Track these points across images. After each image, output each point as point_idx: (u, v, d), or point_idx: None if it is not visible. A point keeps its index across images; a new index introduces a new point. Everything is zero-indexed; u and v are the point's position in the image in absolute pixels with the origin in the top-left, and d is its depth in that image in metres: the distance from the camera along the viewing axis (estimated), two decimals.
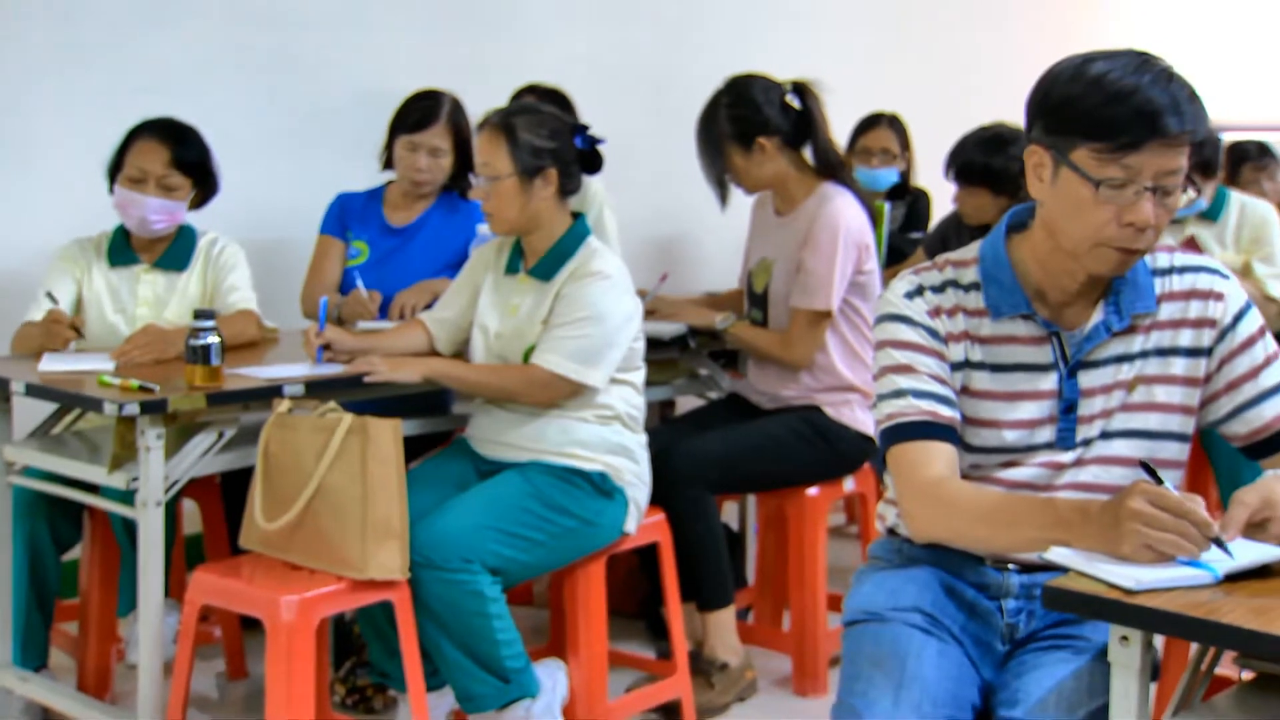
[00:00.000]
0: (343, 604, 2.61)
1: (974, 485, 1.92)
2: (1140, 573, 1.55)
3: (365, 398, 2.94)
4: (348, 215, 3.63)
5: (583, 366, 2.81)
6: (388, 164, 3.61)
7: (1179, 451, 1.93)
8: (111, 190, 3.18)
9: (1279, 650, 1.43)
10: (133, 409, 2.57)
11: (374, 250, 3.57)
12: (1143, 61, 1.77)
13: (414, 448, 3.04)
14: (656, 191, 4.82)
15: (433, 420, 3.24)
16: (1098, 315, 1.90)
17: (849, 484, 3.46)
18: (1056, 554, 1.64)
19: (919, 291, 1.95)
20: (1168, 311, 1.91)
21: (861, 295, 3.36)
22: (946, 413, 1.90)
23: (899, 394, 1.91)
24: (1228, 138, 4.57)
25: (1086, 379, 1.91)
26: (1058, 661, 1.86)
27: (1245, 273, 4.16)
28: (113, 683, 3.15)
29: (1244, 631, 1.44)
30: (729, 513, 3.92)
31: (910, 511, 1.90)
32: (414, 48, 4.24)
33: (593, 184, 3.90)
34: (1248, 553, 1.60)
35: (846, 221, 3.31)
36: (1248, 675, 1.67)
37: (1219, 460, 4.07)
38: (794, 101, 3.40)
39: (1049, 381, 1.92)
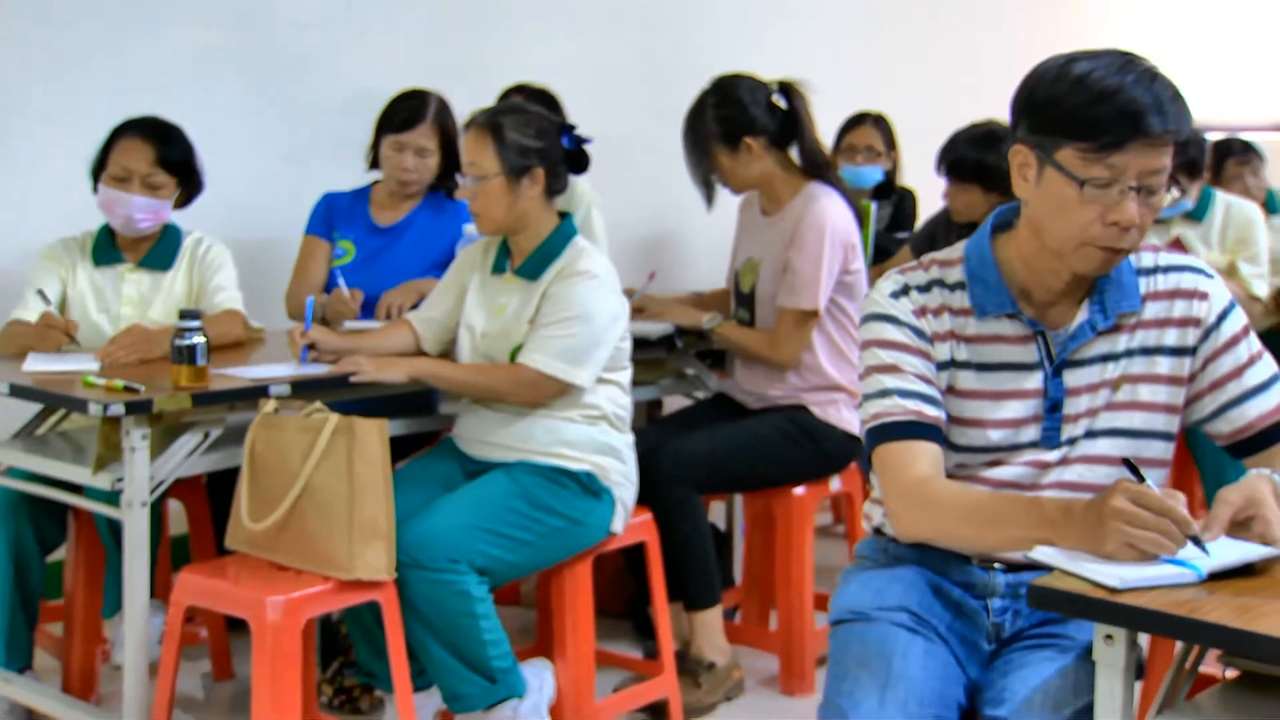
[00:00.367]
0: (329, 604, 2.61)
1: (959, 484, 1.92)
2: (1124, 571, 1.55)
3: (351, 398, 2.93)
4: (334, 215, 3.62)
5: (569, 366, 2.81)
6: (374, 164, 3.60)
7: (1164, 450, 1.94)
8: (95, 189, 3.17)
9: (1262, 648, 1.44)
10: (118, 409, 2.56)
11: (360, 250, 3.57)
12: (1126, 61, 1.78)
13: (401, 448, 3.04)
14: (644, 191, 4.82)
15: (419, 420, 3.23)
16: (1083, 314, 1.91)
17: (835, 484, 3.47)
18: (1041, 553, 1.65)
19: (904, 291, 1.96)
20: (1152, 311, 1.91)
21: (848, 295, 3.37)
22: (932, 412, 1.90)
23: (885, 394, 1.91)
24: (1212, 137, 4.58)
25: (1072, 378, 1.91)
26: (1043, 660, 1.87)
27: (1230, 272, 4.18)
28: (98, 684, 3.14)
29: (1227, 630, 1.45)
30: (716, 512, 3.92)
31: (895, 511, 1.90)
32: (401, 47, 4.24)
33: (580, 184, 3.90)
34: (1231, 551, 1.61)
35: (833, 221, 3.31)
36: (1231, 673, 1.67)
37: (1204, 459, 4.09)
38: (780, 101, 3.40)
39: (1034, 380, 1.92)
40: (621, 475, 2.93)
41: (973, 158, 3.71)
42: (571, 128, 2.98)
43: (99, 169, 3.17)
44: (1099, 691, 1.59)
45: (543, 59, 4.47)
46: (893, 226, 4.85)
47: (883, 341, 1.94)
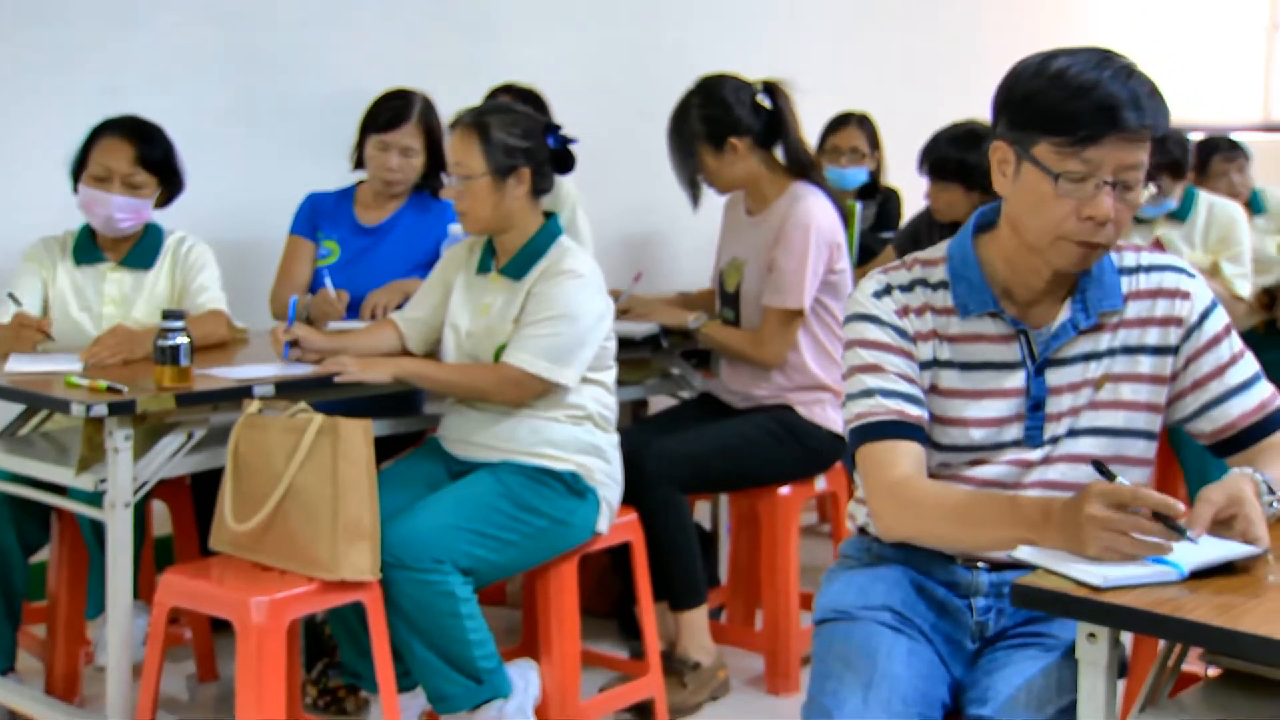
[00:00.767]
0: (314, 605, 2.60)
1: (940, 484, 1.92)
2: (1107, 570, 1.56)
3: (336, 398, 2.92)
4: (318, 215, 3.61)
5: (554, 365, 2.81)
6: (359, 164, 3.60)
7: (1146, 449, 1.95)
8: (76, 189, 3.16)
9: (1244, 647, 1.44)
10: (101, 410, 2.55)
11: (345, 250, 3.56)
12: (1104, 58, 1.79)
13: (386, 448, 3.03)
14: (629, 191, 4.82)
15: (404, 420, 3.23)
16: (1065, 313, 1.91)
17: (821, 483, 3.47)
18: (1024, 553, 1.65)
19: (887, 291, 1.96)
20: (1135, 310, 1.92)
21: (833, 294, 3.37)
22: (914, 412, 1.91)
23: (867, 393, 1.92)
24: (1197, 137, 4.60)
25: (1054, 377, 1.92)
26: (1027, 659, 1.87)
27: (1214, 272, 4.19)
28: (81, 685, 3.13)
29: (1209, 628, 1.45)
30: (701, 512, 3.93)
31: (877, 511, 1.91)
32: (386, 47, 4.23)
33: (566, 184, 3.90)
34: (1214, 550, 1.61)
35: (818, 221, 3.32)
36: (1214, 671, 1.68)
37: (1187, 459, 4.10)
38: (765, 101, 3.40)
39: (1017, 379, 1.93)
40: (606, 475, 2.93)
41: (954, 157, 3.72)
42: (557, 128, 2.98)
43: (79, 169, 3.15)
44: (1082, 690, 1.59)
45: (528, 59, 4.46)
46: (877, 226, 4.86)
47: (865, 341, 1.94)
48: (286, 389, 2.77)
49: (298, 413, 2.59)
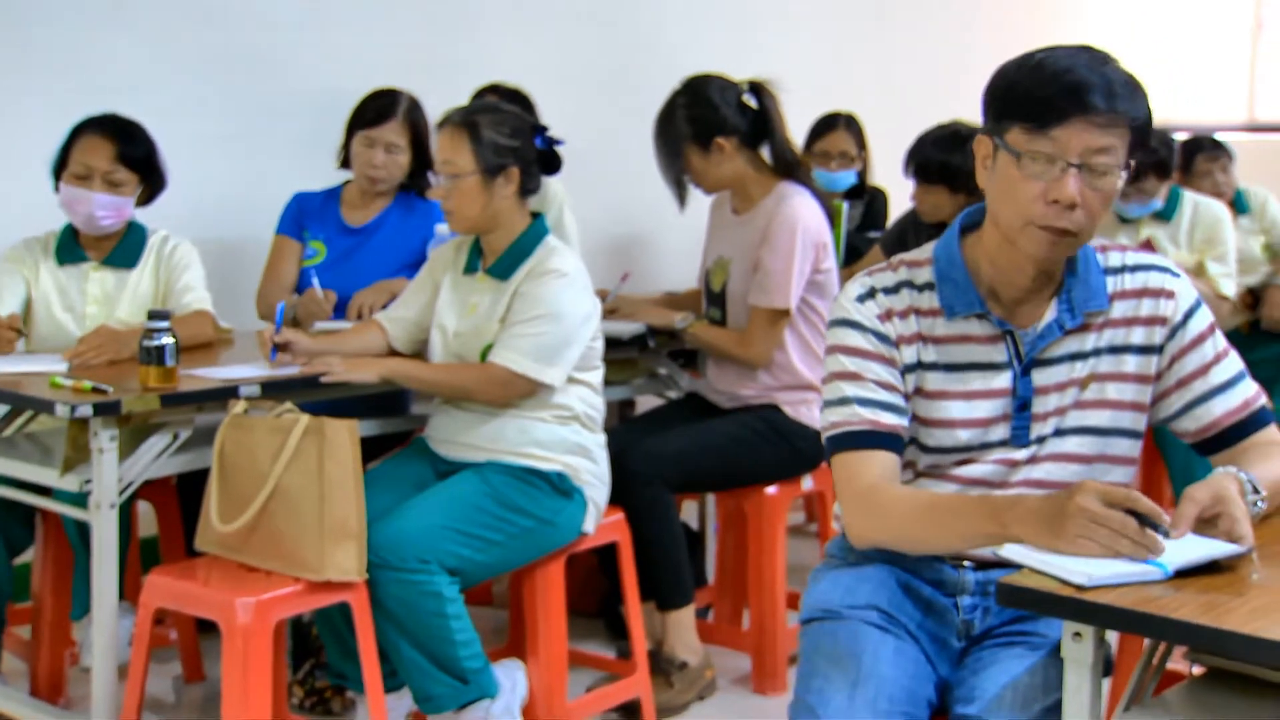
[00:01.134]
0: (300, 606, 2.60)
1: (909, 489, 1.94)
2: (1092, 568, 1.56)
3: (322, 398, 2.92)
4: (305, 215, 3.61)
5: (540, 364, 2.81)
6: (345, 163, 3.59)
7: (1131, 448, 1.95)
8: (57, 188, 3.15)
9: (1229, 645, 1.45)
10: (85, 410, 2.54)
11: (331, 250, 3.56)
12: (1085, 50, 1.81)
13: (373, 448, 3.03)
14: (616, 191, 4.82)
15: (391, 421, 3.22)
16: (1051, 313, 1.92)
17: (808, 483, 3.47)
18: (1010, 550, 1.65)
19: (871, 295, 1.96)
20: (1120, 309, 1.92)
21: (819, 294, 3.38)
22: (890, 420, 1.91)
23: (844, 402, 1.92)
24: (1180, 137, 4.62)
25: (1040, 377, 1.92)
26: (1013, 658, 1.88)
27: (1199, 272, 4.21)
28: (66, 687, 3.11)
29: (1194, 627, 1.46)
30: (688, 512, 3.93)
31: (848, 519, 1.92)
32: (373, 47, 4.22)
33: (553, 184, 3.90)
34: (1199, 548, 1.62)
35: (804, 220, 3.32)
36: (1198, 670, 1.69)
37: (1173, 458, 4.12)
38: (751, 101, 3.40)
39: (1003, 380, 1.93)
40: (593, 475, 2.93)
41: (938, 159, 3.72)
42: (544, 129, 2.98)
43: (60, 167, 3.14)
44: (1067, 688, 1.60)
45: (514, 59, 4.46)
46: (864, 226, 4.86)
47: (846, 348, 1.95)
48: (272, 389, 2.77)
49: (284, 413, 2.59)
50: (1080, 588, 1.54)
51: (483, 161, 2.85)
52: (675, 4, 5.17)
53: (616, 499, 3.06)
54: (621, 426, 3.58)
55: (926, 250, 1.99)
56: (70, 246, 3.21)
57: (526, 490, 2.82)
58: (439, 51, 4.39)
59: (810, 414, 3.37)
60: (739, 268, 3.41)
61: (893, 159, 4.07)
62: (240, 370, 2.85)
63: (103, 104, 3.28)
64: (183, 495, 3.25)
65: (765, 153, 3.45)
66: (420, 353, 3.06)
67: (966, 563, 1.97)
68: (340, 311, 3.41)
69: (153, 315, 2.67)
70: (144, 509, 3.30)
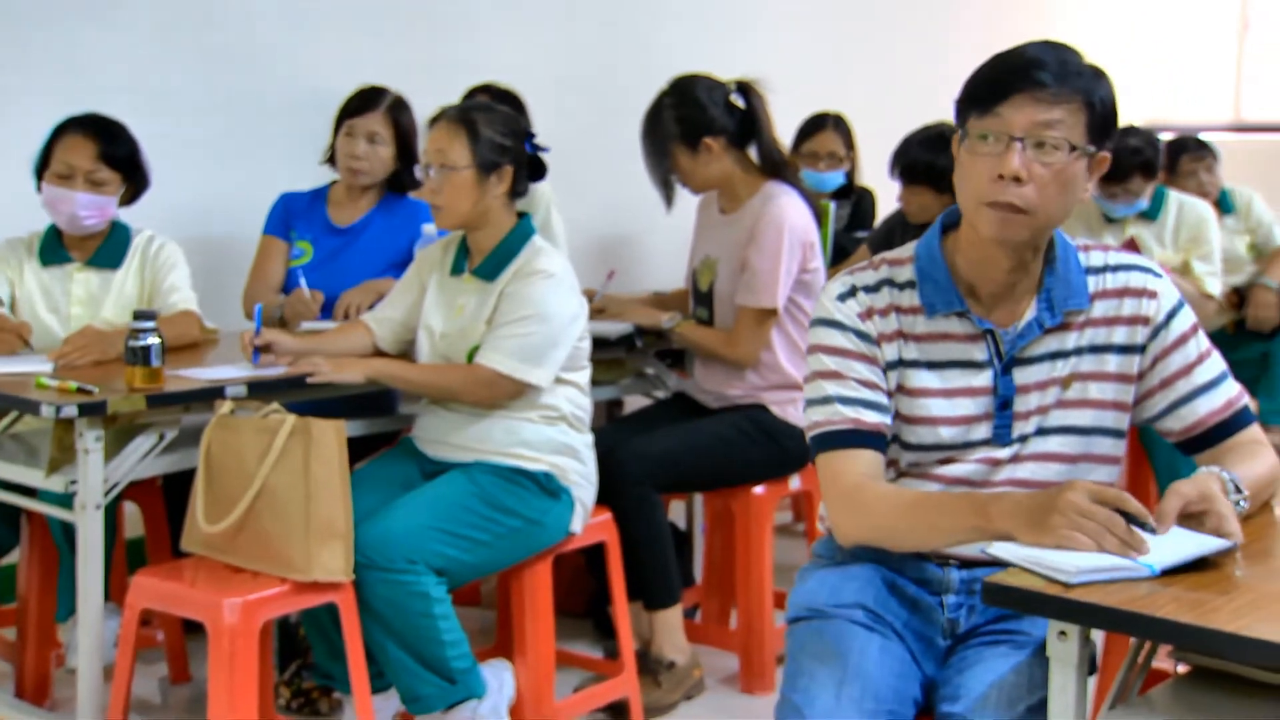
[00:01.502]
0: (286, 606, 2.59)
1: (893, 486, 1.94)
2: (1080, 560, 1.56)
3: (309, 399, 2.91)
4: (292, 215, 3.60)
5: (526, 365, 2.81)
6: (331, 160, 3.58)
7: (1114, 447, 1.96)
8: (39, 188, 3.13)
9: (1213, 644, 1.45)
10: (71, 411, 2.54)
11: (318, 250, 3.55)
12: (1047, 41, 1.84)
13: (360, 448, 3.02)
14: (603, 191, 4.82)
15: (378, 421, 3.22)
16: (1030, 312, 1.92)
17: (795, 482, 3.48)
18: (998, 548, 1.66)
19: (851, 293, 1.96)
20: (1101, 309, 1.93)
21: (806, 293, 3.38)
22: (872, 419, 1.91)
23: (826, 401, 1.92)
24: (1166, 137, 4.63)
25: (1021, 375, 1.93)
26: (998, 656, 1.88)
27: (1184, 271, 4.22)
28: (52, 688, 3.11)
29: (1179, 625, 1.46)
30: (676, 512, 3.93)
31: (833, 518, 1.92)
32: (361, 47, 4.21)
33: (541, 185, 3.88)
34: (1187, 544, 1.62)
35: (791, 220, 3.32)
36: (1183, 668, 1.69)
37: (1158, 458, 4.13)
38: (738, 101, 3.40)
39: (984, 378, 1.93)
40: (580, 475, 2.93)
41: (924, 160, 3.73)
42: (532, 135, 2.98)
43: (42, 167, 3.13)
44: (1052, 687, 1.60)
45: (501, 59, 4.46)
46: (852, 226, 4.87)
47: (827, 347, 1.95)
48: (259, 389, 2.76)
49: (270, 413, 2.58)
50: (1066, 585, 1.54)
51: (479, 157, 2.84)
52: (663, 5, 5.17)
53: (604, 499, 3.05)
54: (609, 426, 3.58)
55: (908, 249, 2.00)
56: (54, 247, 3.20)
57: (514, 490, 2.81)
58: (427, 52, 4.38)
59: (797, 414, 3.37)
60: (726, 267, 3.41)
61: (880, 159, 4.07)
62: (226, 370, 2.85)
63: (88, 103, 3.27)
64: (169, 496, 3.24)
65: (753, 153, 3.45)
66: (407, 353, 3.06)
67: (952, 561, 1.97)
68: (327, 312, 3.40)
69: (138, 315, 2.66)
70: (130, 510, 3.29)
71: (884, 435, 1.93)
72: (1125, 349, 1.93)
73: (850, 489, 1.88)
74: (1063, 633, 1.58)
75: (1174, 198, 4.35)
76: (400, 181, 3.60)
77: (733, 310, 3.39)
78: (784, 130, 3.59)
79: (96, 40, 3.70)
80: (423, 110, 3.22)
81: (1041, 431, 1.93)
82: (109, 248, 3.21)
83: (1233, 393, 1.94)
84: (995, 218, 1.82)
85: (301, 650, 3.12)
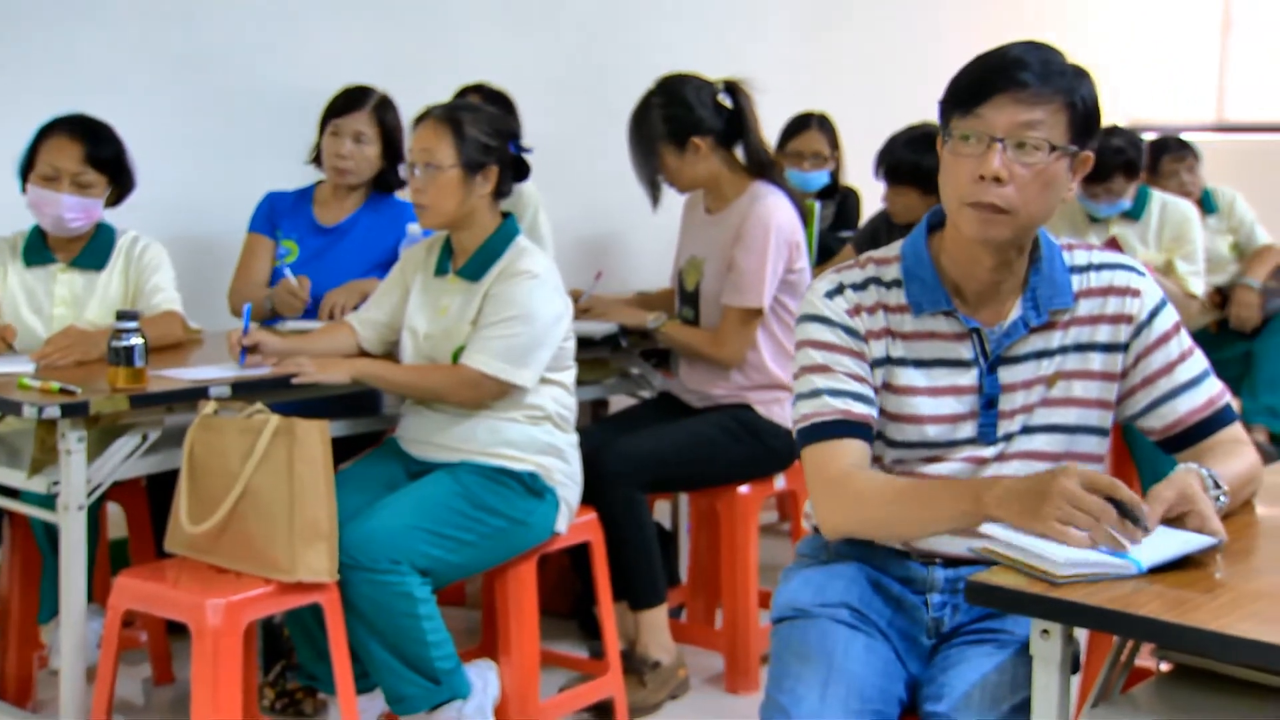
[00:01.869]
0: (270, 607, 2.58)
1: (882, 474, 1.94)
2: (1070, 553, 1.56)
3: (293, 399, 2.91)
4: (277, 214, 3.59)
5: (511, 366, 2.80)
6: (317, 160, 3.58)
7: (1098, 445, 1.97)
8: (24, 190, 3.12)
9: (1196, 642, 1.46)
10: (53, 412, 2.53)
11: (303, 249, 3.54)
12: (1029, 42, 1.84)
13: (345, 449, 3.02)
14: (589, 191, 4.82)
15: (363, 421, 3.21)
16: (1016, 311, 1.93)
17: (780, 482, 3.48)
18: (989, 528, 1.65)
19: (839, 290, 1.97)
20: (1086, 308, 1.94)
21: (792, 293, 3.38)
22: (860, 410, 1.92)
23: (815, 394, 1.93)
24: (1148, 137, 4.65)
25: (1007, 374, 1.93)
26: (982, 655, 1.88)
27: (1167, 270, 4.24)
28: (34, 690, 3.10)
29: (1161, 624, 1.46)
30: (661, 511, 3.93)
31: (819, 507, 1.92)
32: (346, 47, 4.21)
33: (527, 187, 3.89)
34: (1172, 543, 1.62)
35: (778, 220, 3.32)
36: (1166, 666, 1.70)
37: (1141, 456, 4.14)
38: (726, 101, 3.41)
39: (969, 377, 1.94)
40: (565, 475, 2.93)
41: (909, 160, 3.74)
42: (517, 136, 2.98)
43: (26, 169, 3.11)
44: (1035, 685, 1.60)
45: (488, 59, 4.45)
46: (836, 225, 4.88)
47: (815, 342, 1.95)
48: (243, 390, 2.76)
49: (254, 414, 2.58)
50: (1052, 581, 1.54)
51: (464, 157, 2.84)
52: (651, 6, 5.17)
53: (589, 499, 3.05)
54: (594, 426, 3.58)
55: (894, 248, 2.00)
56: (38, 248, 3.19)
57: (498, 490, 2.81)
58: (414, 52, 4.38)
59: (782, 413, 3.37)
60: (712, 267, 3.41)
61: (865, 159, 4.08)
62: (210, 371, 2.84)
63: (73, 103, 3.25)
64: (152, 497, 3.23)
65: (739, 152, 3.46)
66: (391, 354, 3.06)
67: (936, 560, 1.97)
68: (312, 311, 3.40)
69: (121, 316, 2.65)
70: (113, 510, 3.28)
71: (871, 427, 1.93)
72: (1109, 347, 1.93)
73: (838, 478, 1.88)
74: (1045, 631, 1.58)
75: (1157, 197, 4.37)
76: (386, 181, 3.59)
77: (718, 310, 3.39)
78: (769, 130, 3.59)
79: (81, 40, 3.68)
80: (408, 110, 3.22)
81: (1026, 430, 1.94)
82: (93, 248, 3.20)
83: (1214, 391, 1.95)
84: (976, 218, 1.83)
85: (286, 651, 3.11)
